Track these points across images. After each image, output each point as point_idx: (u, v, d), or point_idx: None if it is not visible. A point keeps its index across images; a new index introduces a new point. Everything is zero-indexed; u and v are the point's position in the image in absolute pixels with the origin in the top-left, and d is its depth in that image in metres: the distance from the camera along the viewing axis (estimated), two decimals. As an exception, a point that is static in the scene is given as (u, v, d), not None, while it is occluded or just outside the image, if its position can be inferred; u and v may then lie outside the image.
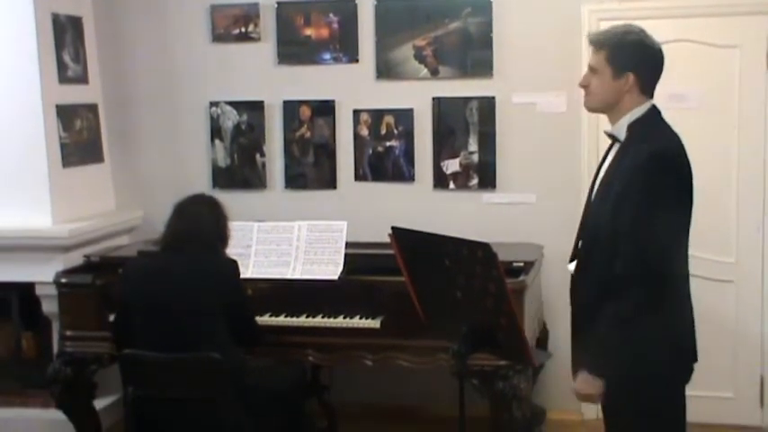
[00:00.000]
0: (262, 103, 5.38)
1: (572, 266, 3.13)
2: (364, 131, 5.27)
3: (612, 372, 2.86)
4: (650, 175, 2.80)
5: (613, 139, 3.03)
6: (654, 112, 2.99)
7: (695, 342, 3.01)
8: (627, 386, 2.87)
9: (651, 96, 3.01)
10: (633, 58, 2.96)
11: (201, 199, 4.10)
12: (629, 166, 2.86)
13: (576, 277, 3.08)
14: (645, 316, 2.79)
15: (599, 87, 2.99)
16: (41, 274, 4.80)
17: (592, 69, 3.01)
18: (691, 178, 2.91)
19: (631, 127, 2.96)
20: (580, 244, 3.09)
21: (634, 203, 2.80)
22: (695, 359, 3.01)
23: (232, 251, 4.12)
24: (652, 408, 2.90)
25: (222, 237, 4.01)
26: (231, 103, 5.42)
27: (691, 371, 3.00)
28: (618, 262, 2.81)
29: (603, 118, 4.99)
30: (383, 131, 5.24)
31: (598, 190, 3.01)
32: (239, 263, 4.03)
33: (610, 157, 3.03)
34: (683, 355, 2.97)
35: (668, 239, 2.83)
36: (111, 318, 4.35)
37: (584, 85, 3.05)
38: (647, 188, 2.79)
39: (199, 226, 3.92)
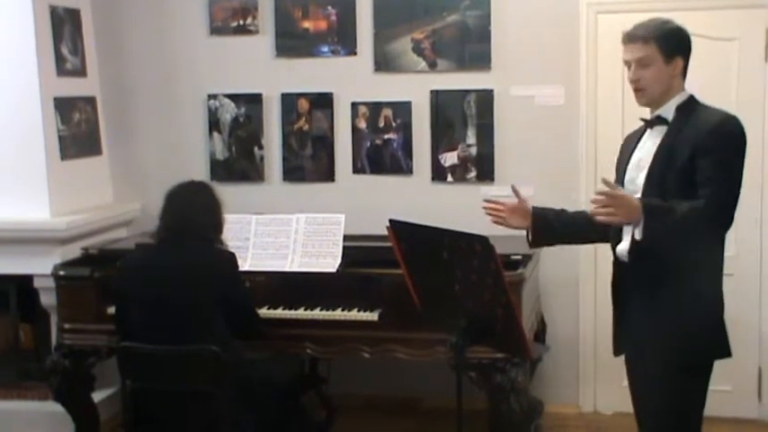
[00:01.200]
0: (260, 95, 5.38)
1: (624, 246, 3.18)
2: (362, 124, 5.27)
3: (651, 223, 2.94)
4: (725, 138, 3.04)
5: (655, 122, 3.18)
6: (695, 98, 3.20)
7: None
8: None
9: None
10: (679, 43, 3.17)
11: (192, 185, 4.07)
12: (698, 134, 3.02)
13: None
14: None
15: (655, 78, 3.14)
16: (39, 266, 4.80)
17: (642, 64, 3.13)
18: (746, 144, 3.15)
19: (680, 108, 3.14)
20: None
21: (716, 160, 2.99)
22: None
23: (230, 244, 4.13)
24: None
25: (215, 224, 4.00)
26: (229, 96, 5.41)
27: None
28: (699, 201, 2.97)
29: (602, 110, 5.02)
30: (381, 124, 5.24)
31: (656, 161, 3.11)
32: (237, 255, 4.03)
33: (653, 139, 3.17)
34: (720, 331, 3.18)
35: (736, 200, 3.06)
36: (110, 310, 4.36)
37: (636, 80, 3.17)
38: (725, 151, 3.02)
39: (192, 215, 3.91)
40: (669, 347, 3.07)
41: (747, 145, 3.11)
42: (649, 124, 3.22)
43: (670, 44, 3.14)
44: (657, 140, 3.15)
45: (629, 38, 3.18)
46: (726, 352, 3.19)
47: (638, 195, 3.11)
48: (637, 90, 3.19)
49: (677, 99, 3.16)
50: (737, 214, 4.96)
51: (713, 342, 3.15)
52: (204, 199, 3.99)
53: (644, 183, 3.13)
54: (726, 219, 3.04)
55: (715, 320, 3.14)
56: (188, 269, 3.80)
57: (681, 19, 4.89)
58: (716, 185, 2.98)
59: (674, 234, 2.96)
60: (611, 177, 3.26)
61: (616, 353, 3.36)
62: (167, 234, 3.90)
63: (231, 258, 3.95)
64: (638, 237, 2.98)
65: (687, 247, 3.00)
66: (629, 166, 3.25)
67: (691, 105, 3.17)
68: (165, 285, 3.76)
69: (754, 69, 4.83)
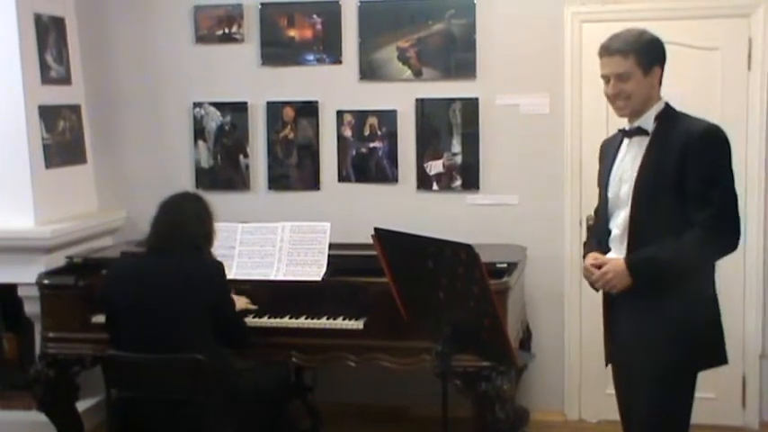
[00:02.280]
0: (245, 104, 5.38)
1: (613, 257, 3.21)
2: (348, 132, 5.27)
3: (646, 275, 3.07)
4: (712, 147, 3.07)
5: (634, 133, 3.19)
6: (671, 106, 3.21)
7: None
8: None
9: None
10: (657, 53, 3.19)
11: (186, 197, 4.09)
12: (686, 141, 3.04)
13: None
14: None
15: (636, 91, 3.15)
16: (24, 275, 4.78)
17: (621, 77, 3.14)
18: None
19: (660, 117, 3.16)
20: (621, 231, 3.18)
21: (705, 176, 3.02)
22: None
23: (215, 252, 4.12)
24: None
25: (207, 235, 3.99)
26: (215, 104, 5.41)
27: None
28: (701, 212, 3.02)
29: (587, 119, 5.03)
30: (366, 132, 5.24)
31: (641, 175, 3.12)
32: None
33: (633, 151, 3.18)
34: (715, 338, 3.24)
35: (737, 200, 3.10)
36: (95, 319, 4.35)
37: (615, 95, 3.18)
38: (713, 160, 3.06)
39: (183, 224, 3.91)
40: (665, 352, 3.07)
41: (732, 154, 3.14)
42: (628, 134, 3.21)
43: (648, 56, 3.15)
44: (639, 152, 3.14)
45: (607, 51, 3.18)
46: (722, 359, 3.20)
47: (626, 209, 3.13)
48: (617, 103, 3.19)
49: (656, 108, 3.18)
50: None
51: (711, 349, 3.16)
52: (196, 209, 3.99)
53: (632, 198, 3.13)
54: (738, 229, 3.09)
55: (712, 326, 3.17)
56: (177, 278, 3.79)
57: (664, 28, 4.92)
58: (719, 199, 3.02)
59: (685, 270, 3.05)
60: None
61: (608, 362, 3.36)
62: (157, 242, 3.89)
63: (219, 268, 3.95)
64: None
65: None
66: (611, 180, 3.25)
67: (669, 114, 3.19)
68: (153, 293, 3.75)
69: (737, 78, 4.85)
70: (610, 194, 3.25)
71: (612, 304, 3.26)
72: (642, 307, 3.11)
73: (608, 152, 3.35)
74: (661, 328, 3.08)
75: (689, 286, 3.07)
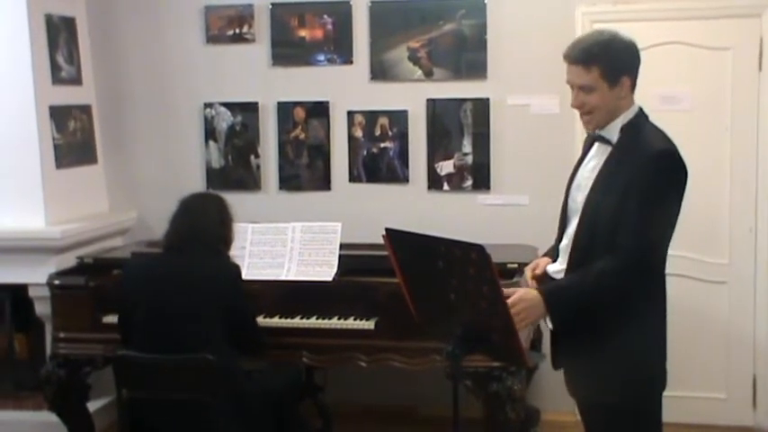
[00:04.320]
0: (256, 104, 5.38)
1: (556, 267, 3.11)
2: (359, 133, 5.27)
3: (558, 312, 2.88)
4: (660, 172, 2.80)
5: (602, 141, 3.00)
6: (642, 114, 2.98)
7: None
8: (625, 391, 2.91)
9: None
10: (626, 63, 2.91)
11: (210, 198, 4.10)
12: (634, 163, 2.83)
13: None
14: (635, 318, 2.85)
15: (600, 104, 2.91)
16: (34, 275, 4.79)
17: (584, 89, 2.91)
18: (687, 179, 2.90)
19: (624, 129, 2.94)
20: (568, 242, 3.06)
21: (641, 200, 2.79)
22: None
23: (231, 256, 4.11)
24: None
25: (225, 238, 3.99)
26: (225, 105, 5.42)
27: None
28: (617, 252, 2.81)
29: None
30: (377, 133, 5.24)
31: (594, 187, 2.96)
32: (234, 264, 4.03)
33: (597, 158, 3.01)
34: (658, 366, 2.99)
35: (667, 238, 2.86)
36: (105, 319, 4.36)
37: (579, 107, 2.97)
38: (656, 185, 2.79)
39: (205, 226, 3.91)
40: (612, 392, 2.93)
41: (689, 179, 2.87)
42: (595, 138, 3.04)
43: (615, 67, 2.88)
44: (600, 162, 2.98)
45: (569, 59, 2.93)
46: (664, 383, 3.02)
47: (575, 220, 3.00)
48: (581, 116, 2.99)
49: (623, 118, 2.93)
50: (731, 221, 5.01)
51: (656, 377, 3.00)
52: (219, 212, 3.98)
53: (581, 209, 2.98)
54: (646, 266, 2.82)
55: (657, 353, 2.99)
56: (193, 278, 3.79)
57: (675, 28, 4.94)
58: (635, 229, 2.78)
59: (588, 308, 2.85)
60: None
61: (555, 367, 3.25)
62: (176, 240, 3.89)
63: (235, 270, 3.94)
64: (550, 326, 2.96)
65: (610, 309, 2.85)
66: (573, 184, 3.10)
67: (636, 125, 2.93)
68: (169, 293, 3.75)
69: (748, 79, 4.83)
70: (570, 199, 3.11)
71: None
72: (584, 340, 2.93)
73: (583, 149, 3.17)
74: (605, 364, 2.90)
75: (629, 336, 2.87)
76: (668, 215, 2.84)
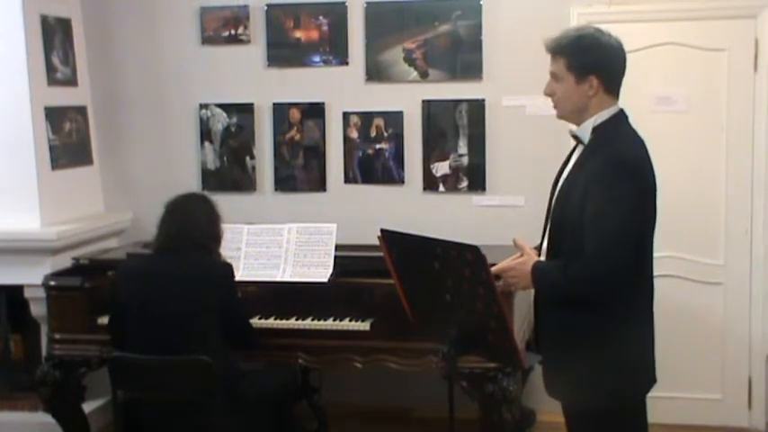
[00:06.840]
0: (251, 105, 5.38)
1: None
2: (354, 134, 5.27)
3: (542, 291, 2.99)
4: (608, 182, 2.77)
5: (577, 140, 3.00)
6: (620, 116, 2.95)
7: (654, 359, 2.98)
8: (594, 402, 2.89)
9: (617, 96, 2.96)
10: (593, 61, 2.90)
11: (193, 197, 4.10)
12: (592, 170, 2.83)
13: None
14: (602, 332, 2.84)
15: (565, 95, 2.96)
16: (30, 276, 4.78)
17: (554, 77, 2.98)
18: (653, 183, 2.86)
19: (596, 130, 2.92)
20: (545, 244, 3.07)
21: (594, 210, 2.77)
22: (654, 379, 2.98)
23: (222, 253, 4.12)
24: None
25: (215, 235, 4.00)
26: (221, 106, 5.41)
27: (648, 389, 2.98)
28: (584, 260, 2.79)
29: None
30: (373, 134, 5.25)
31: (561, 190, 2.99)
32: (229, 265, 4.03)
33: (574, 158, 3.02)
34: (640, 371, 2.94)
35: (627, 246, 2.77)
36: (101, 320, 4.35)
37: (549, 94, 3.03)
38: (606, 195, 2.76)
39: (191, 225, 3.91)
40: (594, 393, 2.91)
41: (654, 178, 2.86)
42: (573, 137, 3.05)
43: (580, 62, 2.90)
44: (574, 162, 3.00)
45: (545, 47, 3.02)
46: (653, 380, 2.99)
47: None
48: (553, 104, 3.04)
49: (595, 119, 2.91)
50: (726, 222, 5.01)
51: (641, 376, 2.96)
52: (204, 210, 3.99)
53: (552, 209, 3.01)
54: (613, 274, 2.76)
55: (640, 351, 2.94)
56: (185, 278, 3.80)
57: (670, 29, 4.94)
58: (592, 239, 2.76)
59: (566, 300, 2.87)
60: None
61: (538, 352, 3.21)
62: (166, 242, 3.90)
63: (228, 268, 3.96)
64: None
65: (588, 311, 2.84)
66: (561, 182, 3.08)
67: (608, 128, 2.90)
68: (162, 293, 3.76)
69: (743, 80, 4.84)
70: (552, 199, 3.10)
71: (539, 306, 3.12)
72: (564, 342, 2.93)
73: (569, 155, 3.15)
74: (587, 366, 2.88)
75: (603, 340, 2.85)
76: (625, 223, 2.75)
